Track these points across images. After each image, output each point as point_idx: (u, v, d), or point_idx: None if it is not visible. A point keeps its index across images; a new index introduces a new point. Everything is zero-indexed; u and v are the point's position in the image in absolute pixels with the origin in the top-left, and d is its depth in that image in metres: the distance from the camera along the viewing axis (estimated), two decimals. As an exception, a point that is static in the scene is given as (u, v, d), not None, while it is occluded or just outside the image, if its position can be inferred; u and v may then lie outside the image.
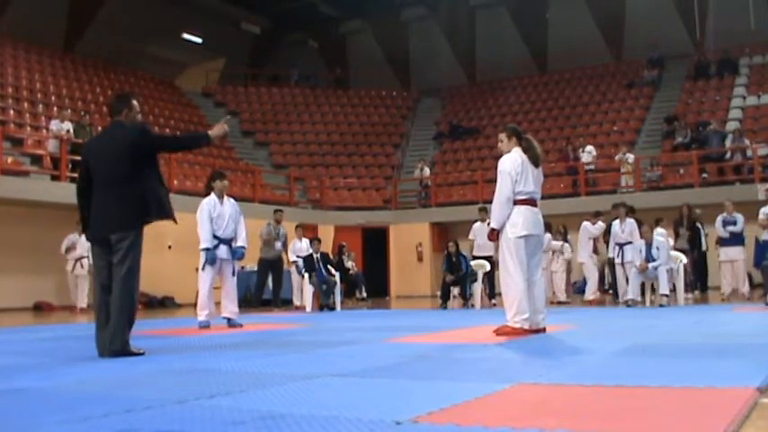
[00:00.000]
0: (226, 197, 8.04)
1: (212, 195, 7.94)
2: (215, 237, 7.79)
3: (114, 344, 4.61)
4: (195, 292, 15.70)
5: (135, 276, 4.73)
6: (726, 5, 22.30)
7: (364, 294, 16.91)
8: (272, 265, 13.30)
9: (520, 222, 5.74)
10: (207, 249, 7.77)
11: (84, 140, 13.35)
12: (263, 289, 13.44)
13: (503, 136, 6.08)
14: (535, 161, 5.84)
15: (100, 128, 17.01)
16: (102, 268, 4.78)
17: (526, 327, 5.65)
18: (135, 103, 5.09)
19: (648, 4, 23.63)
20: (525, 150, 5.86)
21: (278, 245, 13.30)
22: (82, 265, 13.45)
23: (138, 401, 2.91)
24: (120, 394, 3.20)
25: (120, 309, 4.64)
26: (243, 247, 8.00)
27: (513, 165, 5.77)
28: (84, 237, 13.72)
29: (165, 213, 4.94)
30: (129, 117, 4.95)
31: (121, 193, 4.74)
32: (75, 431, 2.44)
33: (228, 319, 7.92)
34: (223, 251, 7.85)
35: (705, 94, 21.32)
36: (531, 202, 5.79)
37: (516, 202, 5.77)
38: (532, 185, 5.78)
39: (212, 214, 7.81)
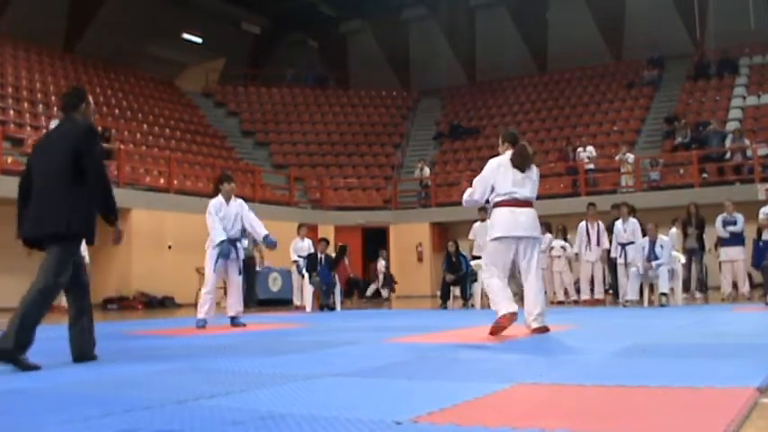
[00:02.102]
0: (233, 198, 8.09)
1: (219, 196, 7.96)
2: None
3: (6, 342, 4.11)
4: (196, 292, 15.65)
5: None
6: (726, 5, 22.31)
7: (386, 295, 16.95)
8: (243, 264, 13.37)
9: (495, 225, 5.80)
10: (221, 242, 7.72)
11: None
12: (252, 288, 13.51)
13: (499, 140, 6.17)
14: (520, 165, 5.79)
15: (100, 128, 17.07)
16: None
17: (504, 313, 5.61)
18: (90, 99, 4.75)
19: (648, 4, 23.64)
20: (513, 154, 5.85)
21: (245, 243, 13.36)
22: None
23: (138, 401, 2.91)
24: (120, 394, 3.19)
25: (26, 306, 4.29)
26: (268, 235, 7.93)
27: (488, 168, 5.87)
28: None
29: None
30: (86, 114, 4.64)
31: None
32: (75, 431, 2.44)
33: (232, 318, 7.90)
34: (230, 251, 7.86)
35: (705, 94, 21.33)
36: (510, 203, 5.75)
37: (495, 204, 5.81)
38: (510, 187, 5.73)
39: (218, 215, 7.83)
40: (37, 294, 4.26)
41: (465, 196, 6.03)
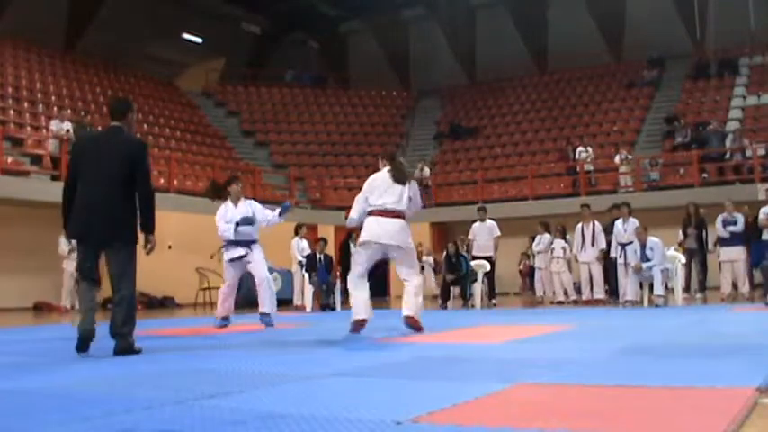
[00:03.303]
0: (242, 199, 8.02)
1: (228, 201, 7.95)
2: (231, 242, 7.76)
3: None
4: (196, 292, 15.61)
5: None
6: (726, 5, 22.30)
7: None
8: None
9: (363, 231, 6.33)
10: (227, 242, 7.73)
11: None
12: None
13: (380, 160, 6.71)
14: (400, 179, 6.32)
15: (100, 128, 17.07)
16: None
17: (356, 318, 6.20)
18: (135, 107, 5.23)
19: (648, 4, 23.65)
20: (392, 170, 6.39)
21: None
22: None
23: (138, 401, 2.91)
24: (120, 394, 3.19)
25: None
26: (281, 209, 7.98)
27: (365, 186, 6.43)
28: None
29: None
30: (131, 123, 5.09)
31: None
32: (75, 431, 2.44)
33: (261, 315, 7.72)
34: (240, 251, 7.82)
35: (705, 94, 21.33)
36: (379, 212, 6.24)
37: (368, 213, 6.30)
38: (382, 198, 6.24)
39: (225, 218, 7.81)
40: (130, 296, 4.84)
41: (348, 219, 6.60)
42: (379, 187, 6.30)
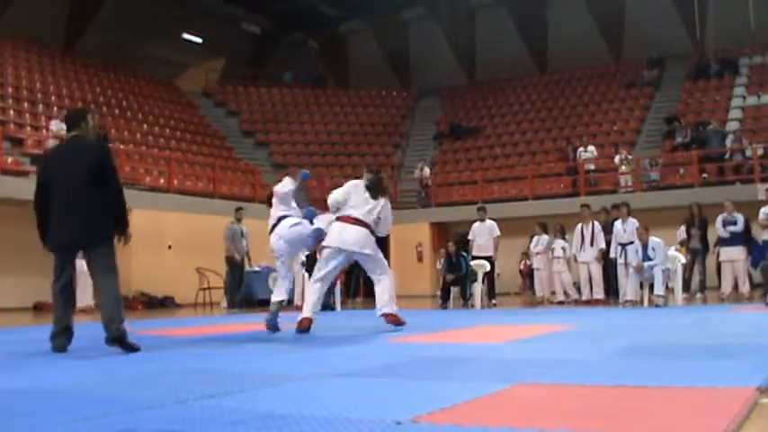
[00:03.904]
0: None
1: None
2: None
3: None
4: (196, 292, 15.56)
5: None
6: (726, 5, 22.30)
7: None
8: (235, 265, 13.41)
9: (329, 237, 6.64)
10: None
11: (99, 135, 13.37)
12: (239, 288, 13.51)
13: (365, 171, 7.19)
14: (373, 195, 6.69)
15: (104, 128, 17.07)
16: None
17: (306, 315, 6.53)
18: (90, 117, 5.46)
19: (648, 4, 23.64)
20: (367, 184, 6.75)
21: (243, 242, 13.37)
22: None
23: (138, 401, 2.92)
24: (120, 394, 3.20)
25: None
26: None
27: (349, 184, 6.83)
28: None
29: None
30: (87, 131, 5.31)
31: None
32: (75, 431, 2.44)
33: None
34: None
35: (705, 94, 21.32)
36: (345, 219, 6.60)
37: (336, 218, 6.67)
38: (351, 206, 6.62)
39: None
40: (116, 292, 5.05)
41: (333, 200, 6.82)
42: (355, 195, 6.66)
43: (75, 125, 5.28)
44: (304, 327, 6.45)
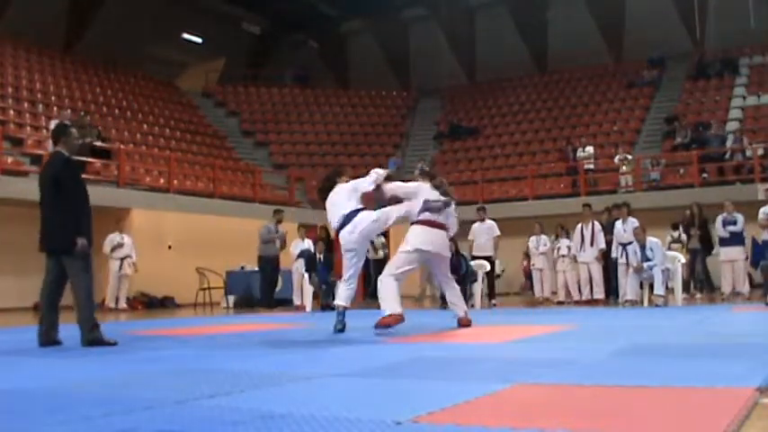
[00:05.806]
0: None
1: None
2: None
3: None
4: (196, 292, 15.52)
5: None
6: (726, 5, 22.30)
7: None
8: (268, 264, 13.32)
9: (414, 238, 6.62)
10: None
11: (84, 140, 13.35)
12: (274, 288, 13.44)
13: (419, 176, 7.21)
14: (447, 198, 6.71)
15: (100, 127, 17.07)
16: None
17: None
18: (72, 131, 5.92)
19: (648, 4, 23.63)
20: (436, 188, 6.71)
21: (277, 244, 13.32)
22: (129, 265, 13.62)
23: (138, 401, 2.92)
24: (120, 394, 3.20)
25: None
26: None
27: (418, 185, 6.83)
28: (126, 236, 13.75)
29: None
30: (68, 144, 5.76)
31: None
32: (75, 431, 2.44)
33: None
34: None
35: (705, 94, 21.31)
36: (430, 223, 6.59)
37: (416, 221, 6.67)
38: (428, 212, 6.60)
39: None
40: (84, 292, 5.54)
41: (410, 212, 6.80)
42: (427, 196, 6.59)
43: (56, 141, 5.84)
44: (397, 323, 6.19)
